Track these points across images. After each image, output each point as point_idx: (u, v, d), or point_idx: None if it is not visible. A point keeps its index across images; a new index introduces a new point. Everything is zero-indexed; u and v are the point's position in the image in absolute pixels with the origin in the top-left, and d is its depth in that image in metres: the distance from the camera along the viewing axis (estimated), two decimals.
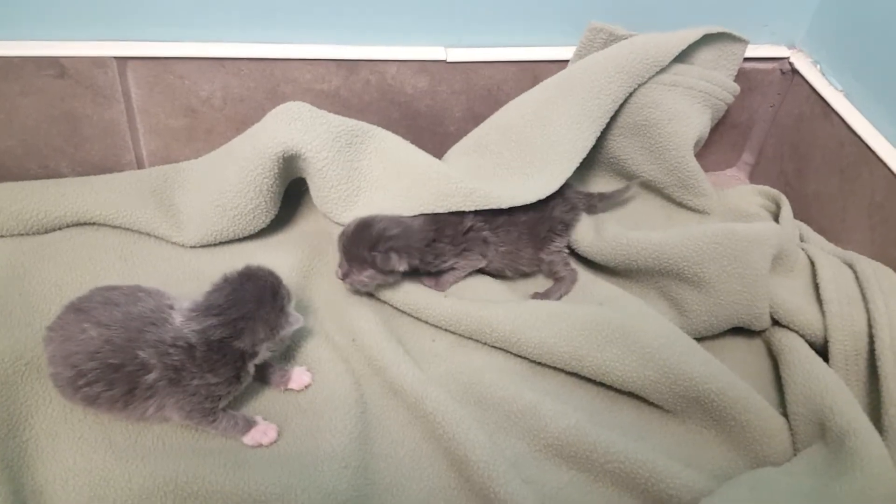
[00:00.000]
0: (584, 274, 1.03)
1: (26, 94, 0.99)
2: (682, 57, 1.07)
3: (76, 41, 0.98)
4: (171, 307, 0.79)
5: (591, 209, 1.08)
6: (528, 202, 0.98)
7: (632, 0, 1.08)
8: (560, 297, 1.00)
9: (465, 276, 1.01)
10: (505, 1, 1.06)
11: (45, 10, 0.96)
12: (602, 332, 0.89)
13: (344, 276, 0.94)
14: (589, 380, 0.91)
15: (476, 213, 0.97)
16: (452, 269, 0.99)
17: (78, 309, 0.78)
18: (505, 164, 1.04)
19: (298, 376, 0.88)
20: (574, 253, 1.05)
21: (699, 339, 0.94)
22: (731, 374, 0.87)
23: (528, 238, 1.00)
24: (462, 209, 0.97)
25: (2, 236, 1.01)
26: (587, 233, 1.03)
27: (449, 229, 0.97)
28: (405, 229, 0.94)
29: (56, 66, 0.97)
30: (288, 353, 0.92)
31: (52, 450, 0.80)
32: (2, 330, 0.87)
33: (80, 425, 0.82)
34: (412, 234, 0.95)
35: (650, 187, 1.14)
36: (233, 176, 0.98)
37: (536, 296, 1.00)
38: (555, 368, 0.92)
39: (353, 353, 0.93)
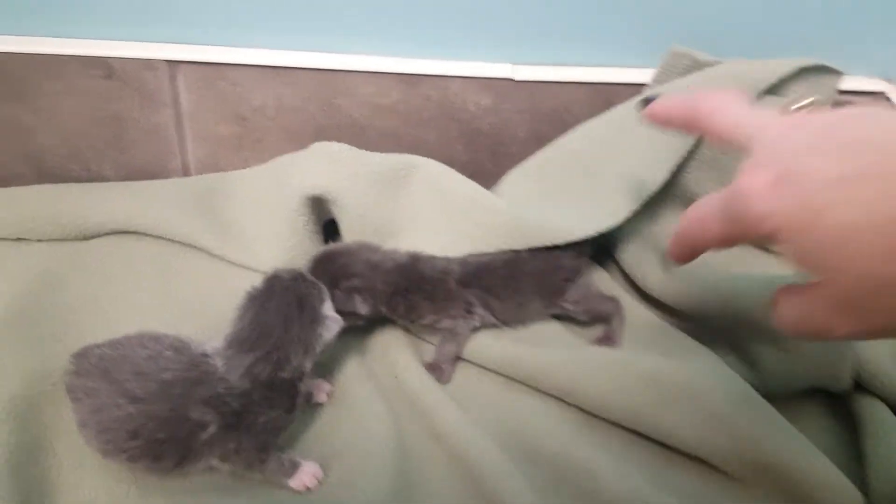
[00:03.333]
0: (647, 314, 0.95)
1: (71, 94, 0.95)
2: (772, 88, 0.99)
3: (126, 41, 0.93)
4: (206, 354, 0.72)
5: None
6: (586, 236, 0.90)
7: (716, 23, 0.99)
8: (620, 337, 0.92)
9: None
10: (578, 18, 0.99)
11: (94, 8, 0.91)
12: (666, 388, 0.81)
13: None
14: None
15: (466, 268, 0.87)
16: (437, 328, 0.88)
17: (108, 374, 0.69)
18: (567, 193, 0.97)
19: (319, 389, 0.82)
20: (641, 292, 0.96)
21: (771, 399, 0.85)
22: (806, 442, 0.78)
23: (534, 290, 0.90)
24: (514, 247, 0.89)
25: (39, 240, 0.97)
26: (655, 270, 0.95)
27: (427, 282, 0.87)
28: (373, 268, 0.84)
29: (104, 67, 0.93)
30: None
31: (75, 480, 0.74)
32: (31, 345, 0.83)
33: None
34: (378, 276, 0.84)
35: None
36: (268, 213, 0.94)
37: (599, 342, 0.91)
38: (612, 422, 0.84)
39: (395, 391, 0.86)
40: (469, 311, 0.88)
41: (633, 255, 0.97)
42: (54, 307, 0.89)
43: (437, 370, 0.87)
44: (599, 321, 0.93)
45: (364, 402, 0.85)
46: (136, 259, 0.97)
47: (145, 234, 0.99)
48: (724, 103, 0.50)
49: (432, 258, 0.89)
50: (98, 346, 0.72)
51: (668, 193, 1.06)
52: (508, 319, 0.91)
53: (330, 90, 0.99)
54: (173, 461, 0.69)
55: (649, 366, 0.83)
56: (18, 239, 0.97)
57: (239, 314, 0.73)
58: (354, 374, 0.88)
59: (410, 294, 0.86)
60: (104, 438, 0.68)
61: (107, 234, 0.99)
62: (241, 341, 0.71)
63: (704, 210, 0.51)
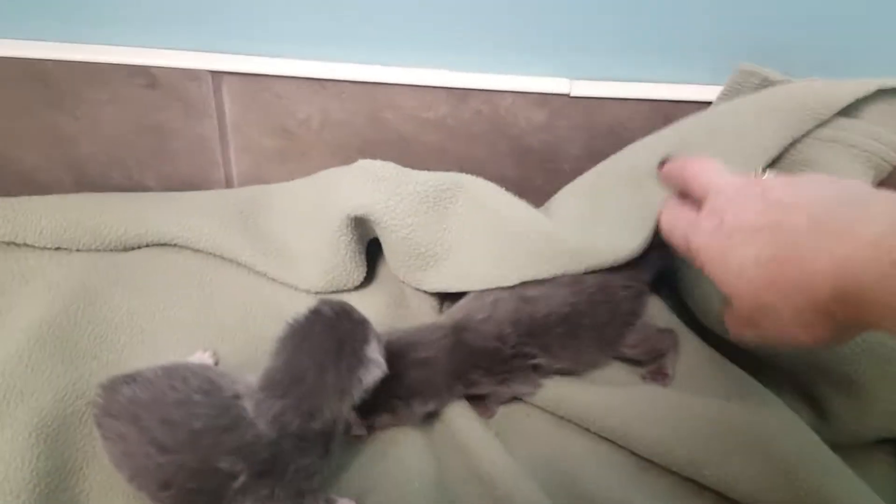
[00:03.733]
0: (708, 350, 0.88)
1: (114, 103, 0.93)
2: (846, 109, 0.91)
3: (170, 50, 0.90)
4: (238, 396, 0.68)
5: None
6: (634, 254, 0.83)
7: (786, 39, 0.92)
8: (673, 370, 0.86)
9: None
10: (640, 32, 0.93)
11: (138, 15, 0.89)
12: (729, 436, 0.75)
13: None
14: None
15: (519, 329, 0.81)
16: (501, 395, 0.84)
17: (138, 420, 0.66)
18: (622, 211, 0.91)
19: (358, 423, 0.76)
20: (704, 328, 0.90)
21: (837, 449, 0.79)
22: (877, 499, 0.72)
23: (593, 343, 0.84)
24: (567, 271, 0.84)
25: (77, 250, 0.95)
26: (717, 303, 0.89)
27: (485, 359, 0.80)
28: (427, 366, 0.78)
29: (147, 76, 0.90)
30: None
31: None
32: (65, 362, 0.81)
33: None
34: (436, 370, 0.78)
35: None
36: (310, 231, 0.92)
37: (650, 376, 0.86)
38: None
39: (435, 425, 0.83)
40: (534, 369, 0.83)
41: (695, 288, 0.91)
42: (90, 322, 0.86)
43: (482, 406, 0.83)
44: (656, 358, 0.87)
45: (403, 436, 0.81)
46: (175, 273, 0.95)
47: (185, 247, 0.97)
48: (703, 167, 0.64)
49: (479, 324, 0.82)
50: (127, 380, 0.69)
51: None
52: (565, 370, 0.86)
53: (376, 103, 0.95)
54: None
55: (711, 410, 0.78)
56: (57, 248, 0.95)
57: (276, 349, 0.69)
58: None
59: (469, 375, 0.81)
60: (137, 483, 0.66)
61: (146, 245, 0.97)
62: (273, 385, 0.67)
63: (674, 223, 0.66)
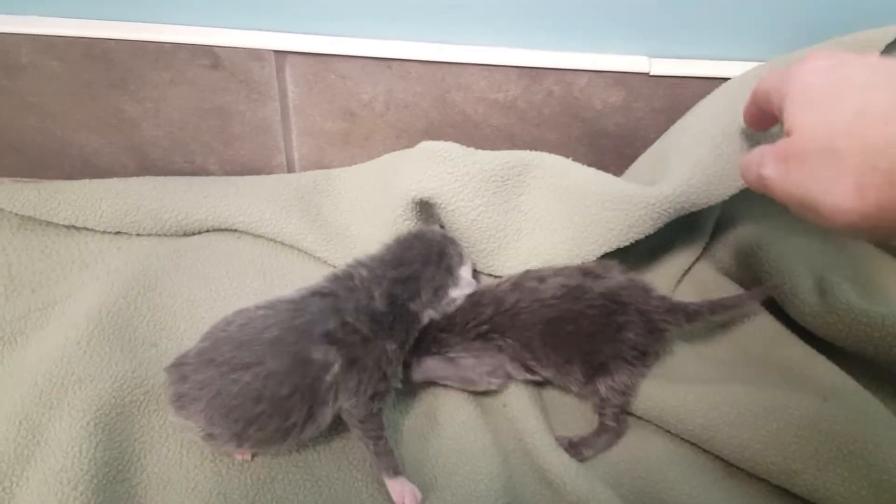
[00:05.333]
0: (800, 347, 0.81)
1: (176, 84, 0.90)
2: None
3: (233, 29, 0.87)
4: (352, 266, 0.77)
5: (688, 321, 0.79)
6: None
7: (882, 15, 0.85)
8: (595, 454, 0.75)
9: None
10: (722, 6, 0.86)
11: None
12: (826, 443, 0.69)
13: None
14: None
15: (496, 309, 0.77)
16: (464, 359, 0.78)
17: (212, 361, 0.67)
18: (690, 155, 0.85)
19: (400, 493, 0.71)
20: (789, 320, 0.83)
21: None
22: None
23: (577, 357, 0.75)
24: (653, 230, 0.80)
25: (138, 235, 0.93)
26: (811, 296, 0.82)
27: (459, 316, 0.78)
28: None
29: (210, 56, 0.87)
30: (430, 408, 0.79)
31: (162, 500, 0.70)
32: (124, 349, 0.79)
33: (196, 472, 0.72)
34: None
35: (890, 248, 0.91)
36: (373, 216, 0.89)
37: (567, 443, 0.75)
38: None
39: (503, 422, 0.78)
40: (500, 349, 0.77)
41: (782, 276, 0.84)
42: (150, 309, 0.85)
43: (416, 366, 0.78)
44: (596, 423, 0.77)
45: (470, 432, 0.77)
46: (235, 259, 0.92)
47: (246, 233, 0.94)
48: (766, 78, 0.61)
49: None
50: (187, 353, 0.69)
51: None
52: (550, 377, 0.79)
53: (444, 85, 0.91)
54: (303, 414, 0.66)
55: (807, 412, 0.71)
56: (118, 233, 0.93)
57: (385, 248, 0.79)
58: (459, 397, 0.80)
59: (443, 333, 0.78)
60: (232, 419, 0.65)
61: (207, 230, 0.95)
62: (385, 261, 0.76)
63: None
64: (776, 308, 0.85)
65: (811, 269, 0.86)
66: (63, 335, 0.78)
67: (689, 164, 0.81)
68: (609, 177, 0.85)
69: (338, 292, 0.72)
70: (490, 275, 0.89)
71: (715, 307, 0.79)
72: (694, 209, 0.81)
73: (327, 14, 0.86)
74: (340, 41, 0.88)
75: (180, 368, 0.68)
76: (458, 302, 0.78)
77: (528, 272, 0.81)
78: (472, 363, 0.77)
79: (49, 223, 0.92)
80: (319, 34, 0.88)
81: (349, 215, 0.94)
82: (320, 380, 0.67)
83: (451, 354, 0.78)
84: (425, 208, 0.87)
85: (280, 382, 0.65)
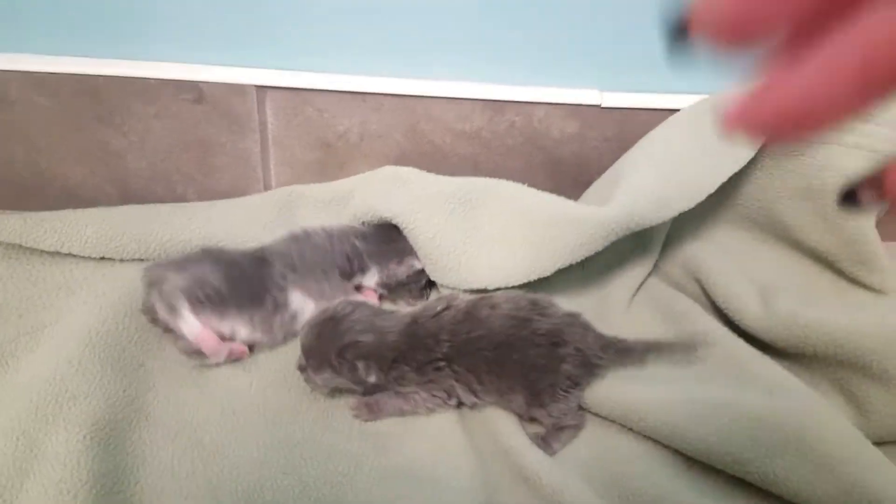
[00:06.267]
0: (746, 347, 0.89)
1: (161, 118, 0.96)
2: (869, 118, 0.94)
3: (217, 66, 0.93)
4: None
5: (620, 358, 0.85)
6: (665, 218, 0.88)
7: None
8: (559, 448, 0.81)
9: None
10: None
11: (186, 32, 0.92)
12: (774, 434, 0.76)
13: (300, 370, 0.82)
14: None
15: (452, 345, 0.80)
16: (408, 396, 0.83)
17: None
18: (636, 179, 0.93)
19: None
20: (735, 327, 0.92)
21: (878, 444, 0.80)
22: None
23: (520, 384, 0.80)
24: (602, 247, 0.87)
25: (122, 260, 0.97)
26: (753, 304, 0.90)
27: (420, 353, 0.80)
28: (379, 338, 0.80)
29: (195, 91, 0.93)
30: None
31: None
32: (114, 368, 0.82)
33: (188, 481, 0.75)
34: (385, 342, 0.80)
35: (820, 259, 1.01)
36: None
37: (534, 437, 0.81)
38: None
39: (479, 425, 0.83)
40: (448, 393, 0.82)
41: (727, 288, 0.93)
42: (137, 331, 0.87)
43: (369, 411, 0.83)
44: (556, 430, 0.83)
45: (448, 433, 0.82)
46: None
47: None
48: None
49: (427, 320, 0.82)
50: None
51: (758, 223, 1.02)
52: (491, 403, 0.83)
53: (415, 116, 0.98)
54: None
55: (755, 408, 0.78)
56: (102, 259, 0.96)
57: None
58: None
59: (402, 365, 0.81)
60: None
61: None
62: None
63: None
64: (722, 315, 0.93)
65: (751, 280, 0.95)
66: (55, 356, 0.81)
67: (634, 187, 0.90)
68: (562, 199, 0.93)
69: None
70: (451, 288, 0.93)
71: (649, 348, 0.85)
72: (640, 228, 0.88)
73: (306, 51, 0.93)
74: (318, 76, 0.94)
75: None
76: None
77: (482, 298, 0.85)
78: (424, 397, 0.82)
79: (34, 251, 0.94)
80: (299, 70, 0.94)
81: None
82: None
83: (406, 391, 0.82)
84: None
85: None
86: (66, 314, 0.89)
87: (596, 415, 0.84)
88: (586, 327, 0.83)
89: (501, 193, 0.94)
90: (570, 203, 0.92)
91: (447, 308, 0.82)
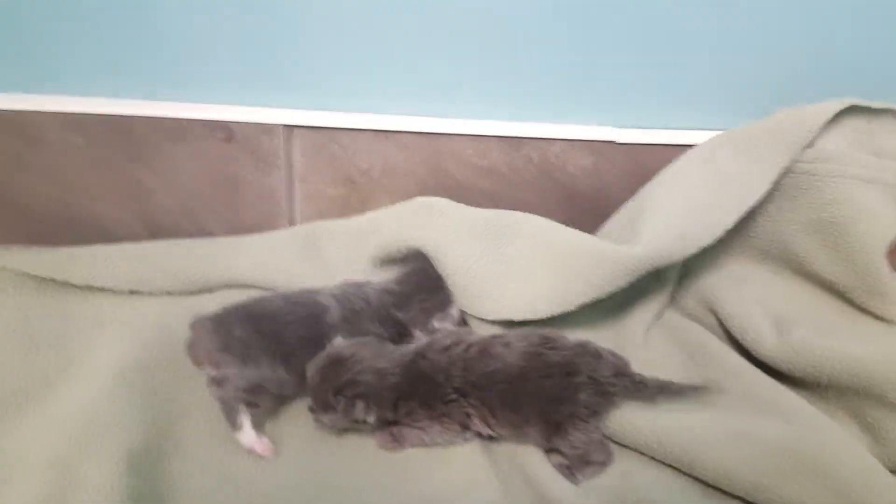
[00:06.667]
0: (762, 377, 0.91)
1: (193, 157, 0.99)
2: (882, 152, 0.98)
3: (246, 106, 0.97)
4: None
5: (635, 390, 0.84)
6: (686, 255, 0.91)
7: (821, 80, 0.99)
8: (583, 480, 0.82)
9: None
10: (682, 80, 1.00)
11: (216, 73, 0.96)
12: (792, 460, 0.77)
13: (310, 411, 0.83)
14: None
15: (465, 375, 0.81)
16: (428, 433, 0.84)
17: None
18: (659, 218, 0.96)
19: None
20: (751, 357, 0.94)
21: (894, 472, 0.81)
22: None
23: (535, 415, 0.81)
24: (627, 283, 0.90)
25: (150, 293, 0.99)
26: (768, 334, 0.92)
27: (428, 388, 0.81)
28: (380, 376, 0.81)
29: (225, 130, 0.97)
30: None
31: None
32: (148, 399, 0.83)
33: None
34: (385, 384, 0.81)
35: (832, 290, 1.03)
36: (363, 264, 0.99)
37: (559, 465, 0.83)
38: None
39: (503, 455, 0.84)
40: (466, 426, 0.83)
41: (743, 319, 0.95)
42: (168, 362, 0.89)
43: (392, 441, 0.84)
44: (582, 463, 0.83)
45: (472, 465, 0.83)
46: None
47: (253, 287, 1.01)
48: None
49: (436, 353, 0.84)
50: None
51: (771, 254, 1.04)
52: (507, 437, 0.84)
53: (436, 153, 1.02)
54: None
55: (773, 436, 0.79)
56: (132, 292, 0.99)
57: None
58: None
59: (409, 401, 0.82)
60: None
61: (218, 288, 1.01)
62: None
63: None
64: (737, 345, 0.95)
65: (766, 310, 0.97)
66: (89, 387, 0.83)
67: (657, 225, 0.93)
68: (587, 236, 0.95)
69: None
70: (476, 317, 0.95)
71: (662, 388, 0.85)
72: (664, 265, 0.91)
73: (333, 91, 0.97)
74: (344, 115, 0.98)
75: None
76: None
77: (495, 337, 0.87)
78: (438, 430, 0.83)
79: (65, 285, 0.97)
80: (325, 109, 0.98)
81: (346, 259, 1.02)
82: None
83: (419, 425, 0.83)
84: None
85: None
86: (98, 346, 0.91)
87: (616, 443, 0.86)
88: (597, 355, 0.84)
89: (530, 228, 0.96)
90: (595, 240, 0.94)
91: (457, 343, 0.84)
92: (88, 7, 0.91)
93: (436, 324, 0.92)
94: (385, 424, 0.83)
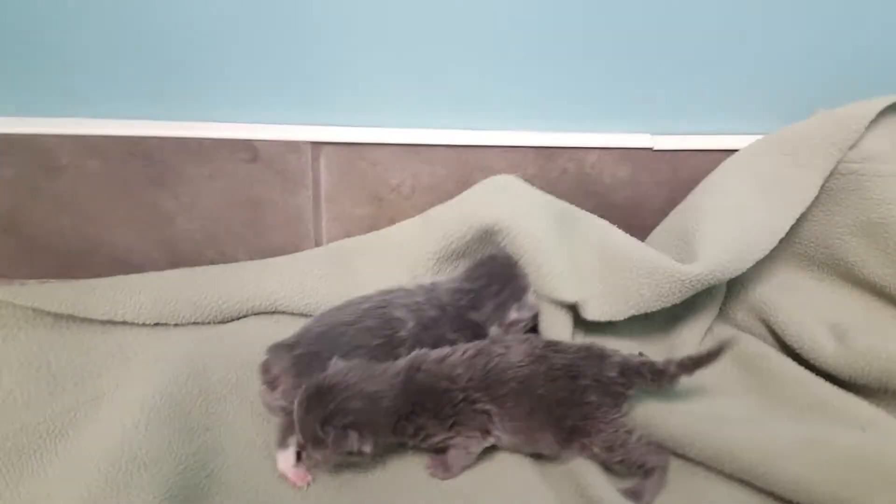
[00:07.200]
0: (828, 387, 0.87)
1: (215, 178, 0.95)
2: None
3: (272, 124, 0.93)
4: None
5: (659, 384, 0.81)
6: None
7: (859, 81, 0.96)
8: (650, 500, 0.77)
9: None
10: (718, 84, 0.97)
11: (240, 91, 0.93)
12: (874, 469, 0.73)
13: (300, 447, 0.77)
14: None
15: (472, 377, 0.78)
16: (452, 447, 0.79)
17: None
18: (715, 235, 0.93)
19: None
20: (810, 366, 0.90)
21: None
22: None
23: (546, 420, 0.78)
24: (680, 300, 0.89)
25: (177, 325, 0.95)
26: (827, 342, 0.88)
27: (432, 398, 0.77)
28: (371, 401, 0.75)
29: (250, 150, 0.93)
30: (486, 470, 0.81)
31: None
32: (181, 433, 0.78)
33: None
34: (379, 408, 0.75)
35: (883, 294, 0.99)
36: (430, 245, 0.93)
37: (626, 492, 0.77)
38: None
39: (564, 479, 0.80)
40: (486, 430, 0.79)
41: (799, 327, 0.92)
42: (200, 394, 0.85)
43: (443, 469, 0.79)
44: (640, 473, 0.78)
45: (528, 490, 0.78)
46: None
47: (285, 312, 0.97)
48: None
49: (433, 364, 0.79)
50: None
51: (815, 259, 1.01)
52: (521, 445, 0.80)
53: (467, 167, 0.98)
54: None
55: (852, 443, 0.75)
56: (155, 325, 0.94)
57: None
58: (515, 457, 0.82)
59: (417, 417, 0.77)
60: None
61: (246, 314, 0.97)
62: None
63: None
64: (793, 355, 0.92)
65: (820, 318, 0.93)
66: (120, 422, 0.78)
67: (711, 243, 0.91)
68: (646, 248, 0.93)
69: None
70: (550, 299, 0.91)
71: (681, 366, 0.81)
72: (718, 283, 0.90)
73: (360, 106, 0.93)
74: (372, 131, 0.94)
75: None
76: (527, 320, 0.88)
77: (493, 342, 0.83)
78: (461, 441, 0.79)
79: (84, 319, 0.92)
80: (353, 125, 0.94)
81: (384, 270, 0.97)
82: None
83: (437, 442, 0.79)
84: (486, 237, 0.93)
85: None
86: (123, 381, 0.87)
87: (682, 457, 0.81)
88: (602, 356, 0.81)
89: (590, 224, 0.96)
90: (653, 253, 0.92)
91: (452, 353, 0.81)
92: (103, 27, 0.87)
93: (514, 314, 0.88)
94: (433, 451, 0.79)
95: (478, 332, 0.87)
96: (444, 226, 0.93)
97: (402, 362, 0.80)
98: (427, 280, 0.91)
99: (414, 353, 0.81)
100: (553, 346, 0.82)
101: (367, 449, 0.75)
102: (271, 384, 0.80)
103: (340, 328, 0.83)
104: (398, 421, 0.77)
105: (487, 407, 0.78)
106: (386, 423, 0.76)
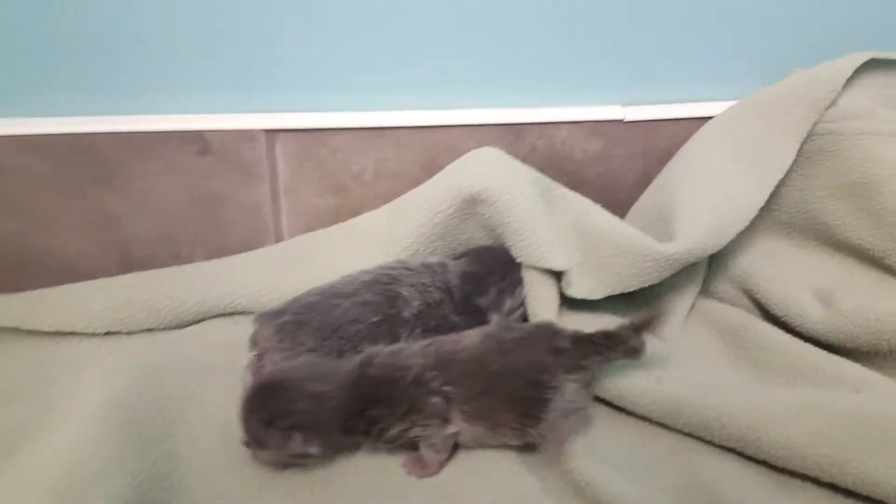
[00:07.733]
0: (818, 352, 0.84)
1: (166, 174, 0.90)
2: None
3: (222, 113, 0.88)
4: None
5: (613, 351, 0.77)
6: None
7: (839, 42, 0.93)
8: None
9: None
10: (690, 49, 0.94)
11: (186, 80, 0.88)
12: (871, 429, 0.69)
13: (245, 445, 0.73)
14: (851, 492, 0.71)
15: (423, 362, 0.74)
16: (415, 438, 0.74)
17: None
18: (690, 212, 0.90)
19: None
20: (798, 333, 0.86)
21: None
22: None
23: (502, 395, 0.73)
24: (659, 281, 0.86)
25: (130, 332, 0.89)
26: (813, 308, 0.86)
27: (386, 388, 0.73)
28: (318, 401, 0.71)
29: (200, 142, 0.88)
30: (470, 465, 0.76)
31: None
32: (136, 446, 0.73)
33: None
34: (325, 408, 0.72)
35: (866, 257, 0.96)
36: (412, 224, 0.88)
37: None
38: (805, 477, 0.72)
39: (536, 458, 0.76)
40: (444, 418, 0.73)
41: (783, 295, 0.89)
42: (157, 403, 0.79)
43: (420, 466, 0.75)
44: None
45: (513, 479, 0.75)
46: (238, 345, 0.88)
47: (242, 313, 0.92)
48: None
49: (387, 356, 0.75)
50: None
51: (795, 225, 0.98)
52: (484, 435, 0.75)
53: (434, 149, 0.94)
54: None
55: (846, 405, 0.72)
56: (108, 333, 0.89)
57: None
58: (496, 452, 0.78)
59: (369, 411, 0.72)
60: None
61: (204, 318, 0.92)
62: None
63: None
64: (779, 324, 0.89)
65: (804, 284, 0.91)
66: (72, 435, 0.72)
67: (692, 220, 0.88)
68: (626, 226, 0.90)
69: None
70: (551, 269, 0.88)
71: (636, 325, 0.77)
72: (698, 260, 0.87)
73: (316, 89, 0.89)
74: (331, 115, 0.90)
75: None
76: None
77: (447, 336, 0.79)
78: (418, 431, 0.74)
79: (32, 332, 0.87)
80: (309, 110, 0.90)
81: (351, 259, 0.91)
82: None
83: (396, 435, 0.74)
84: (471, 208, 0.88)
85: None
86: (77, 391, 0.81)
87: (671, 429, 0.77)
88: (554, 331, 0.77)
89: (569, 202, 0.93)
90: (632, 231, 0.88)
91: (408, 347, 0.77)
92: (38, 15, 0.82)
93: (509, 303, 0.86)
94: (407, 449, 0.75)
95: (480, 318, 0.84)
96: (426, 202, 0.88)
97: (355, 359, 0.76)
98: (434, 259, 0.88)
99: (367, 351, 0.77)
100: (505, 326, 0.80)
101: (314, 451, 0.71)
102: (259, 356, 0.77)
103: (334, 299, 0.79)
104: (347, 420, 0.72)
105: (443, 388, 0.73)
106: (334, 424, 0.72)
